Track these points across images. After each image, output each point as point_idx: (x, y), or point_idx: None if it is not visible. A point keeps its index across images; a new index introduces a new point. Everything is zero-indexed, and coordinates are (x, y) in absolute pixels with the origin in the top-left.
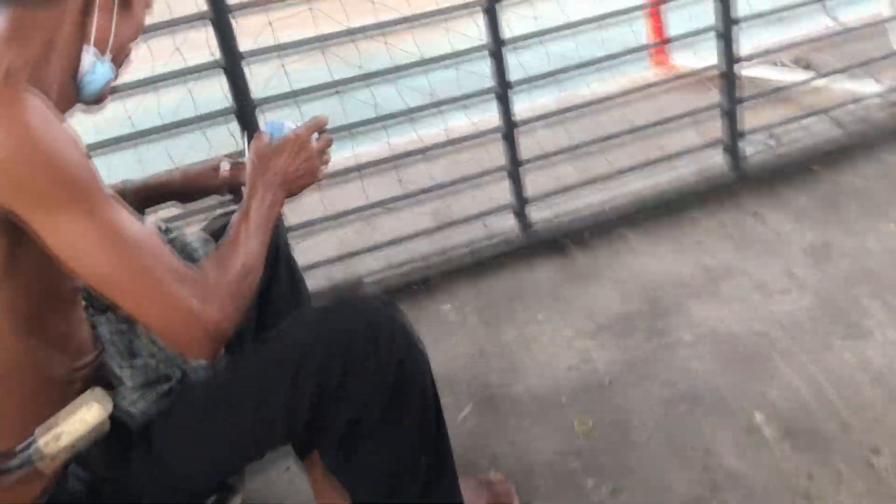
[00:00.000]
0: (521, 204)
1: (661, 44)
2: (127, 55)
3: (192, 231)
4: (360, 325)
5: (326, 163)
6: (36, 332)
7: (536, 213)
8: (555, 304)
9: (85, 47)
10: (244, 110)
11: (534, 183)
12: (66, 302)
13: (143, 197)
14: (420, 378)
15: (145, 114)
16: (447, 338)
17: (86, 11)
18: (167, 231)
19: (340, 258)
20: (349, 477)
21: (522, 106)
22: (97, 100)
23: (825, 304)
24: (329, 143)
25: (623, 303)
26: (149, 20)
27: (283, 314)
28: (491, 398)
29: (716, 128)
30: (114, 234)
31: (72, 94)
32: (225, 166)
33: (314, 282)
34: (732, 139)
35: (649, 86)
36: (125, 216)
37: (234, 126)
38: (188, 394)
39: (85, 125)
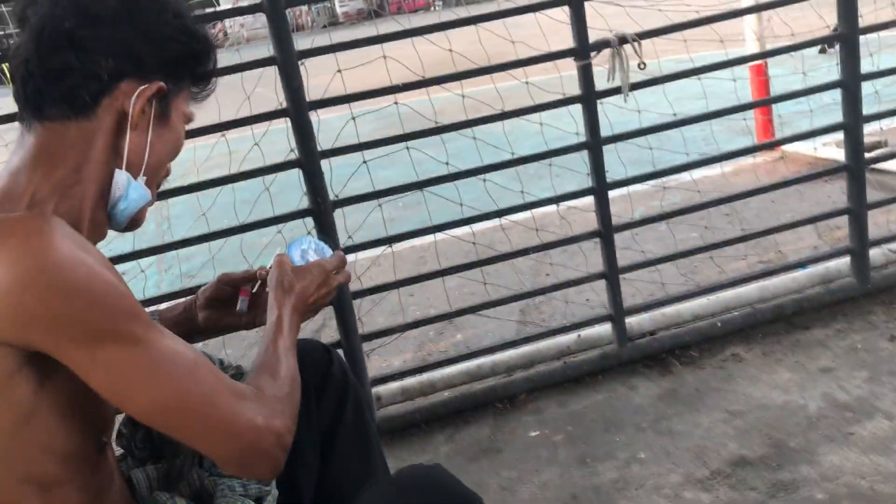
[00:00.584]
0: (619, 313)
1: (780, 144)
2: (166, 175)
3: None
4: None
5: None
6: (75, 474)
7: (636, 323)
8: (659, 439)
9: (117, 171)
10: (319, 208)
11: (631, 284)
12: (90, 463)
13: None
14: None
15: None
16: (535, 474)
17: (118, 131)
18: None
19: (416, 370)
20: None
21: (616, 193)
22: (130, 226)
23: None
24: (347, 280)
25: (740, 443)
26: (232, 116)
27: (349, 460)
28: None
29: (835, 225)
30: (166, 361)
31: (104, 221)
32: (243, 308)
33: (388, 390)
34: (861, 245)
35: (767, 189)
36: (172, 339)
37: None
38: None
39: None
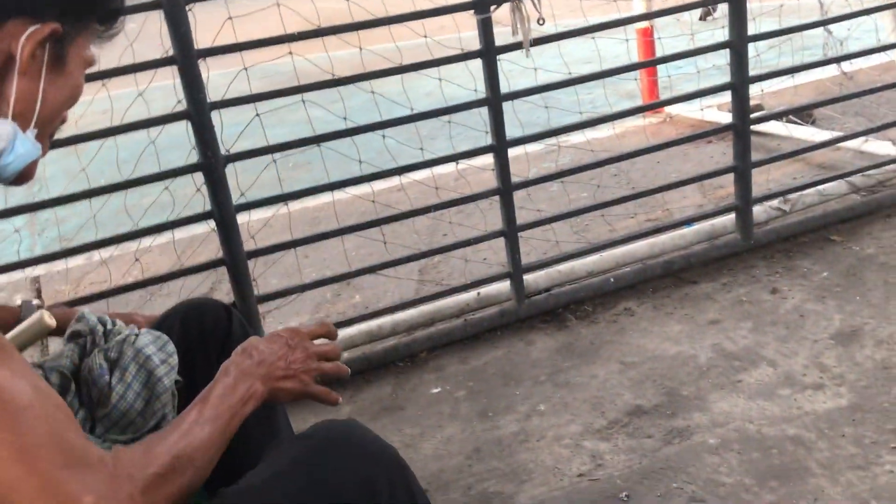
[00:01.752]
0: (517, 270)
1: (669, 103)
2: (61, 122)
3: (145, 331)
4: (354, 480)
5: (322, 372)
6: None
7: (532, 281)
8: (558, 391)
9: (0, 121)
10: (210, 163)
11: (527, 242)
12: None
13: None
14: None
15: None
16: (438, 430)
17: (4, 76)
18: (109, 333)
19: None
20: None
21: (512, 152)
22: (18, 180)
23: (865, 405)
24: (335, 353)
25: (635, 392)
26: (116, 63)
27: (253, 423)
28: (494, 501)
29: (718, 185)
30: (17, 436)
31: None
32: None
33: None
34: (745, 203)
35: (657, 147)
36: (17, 374)
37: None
38: None
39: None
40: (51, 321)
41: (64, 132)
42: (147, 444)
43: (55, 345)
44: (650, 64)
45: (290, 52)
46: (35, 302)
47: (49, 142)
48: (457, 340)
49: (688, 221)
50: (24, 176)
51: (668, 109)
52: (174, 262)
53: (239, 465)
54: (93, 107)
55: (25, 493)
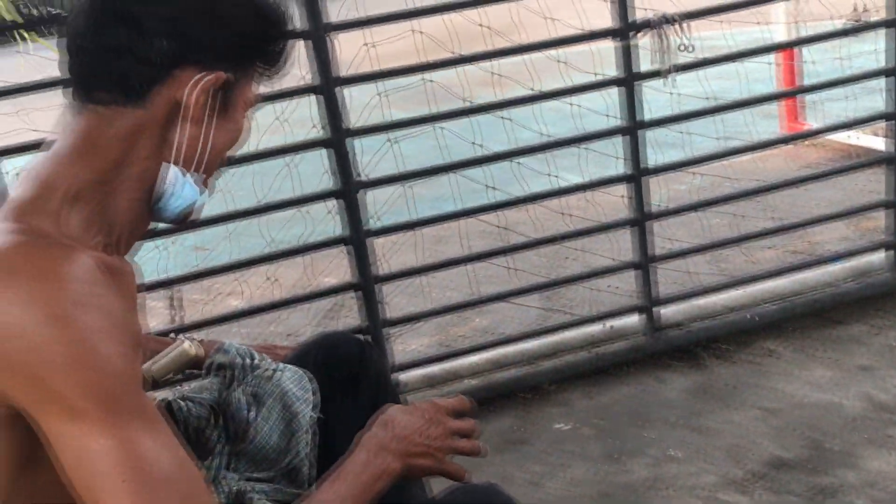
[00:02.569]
0: (650, 303)
1: (818, 133)
2: (223, 164)
3: (285, 366)
4: None
5: (458, 451)
6: None
7: (666, 314)
8: (691, 436)
9: (164, 165)
10: (347, 189)
11: (659, 272)
12: None
13: None
14: None
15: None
16: (564, 469)
17: (171, 122)
18: (250, 366)
19: (439, 357)
20: None
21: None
22: (182, 220)
23: None
24: (472, 431)
25: (777, 442)
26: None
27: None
28: None
29: (867, 216)
30: (139, 466)
31: (145, 217)
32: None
33: (410, 378)
34: None
35: (805, 179)
36: (161, 443)
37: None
38: None
39: None
40: (192, 350)
41: None
42: None
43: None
44: (797, 92)
45: (423, 80)
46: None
47: (213, 182)
48: (583, 373)
49: (836, 257)
50: (186, 217)
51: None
52: (300, 275)
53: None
54: None
55: None
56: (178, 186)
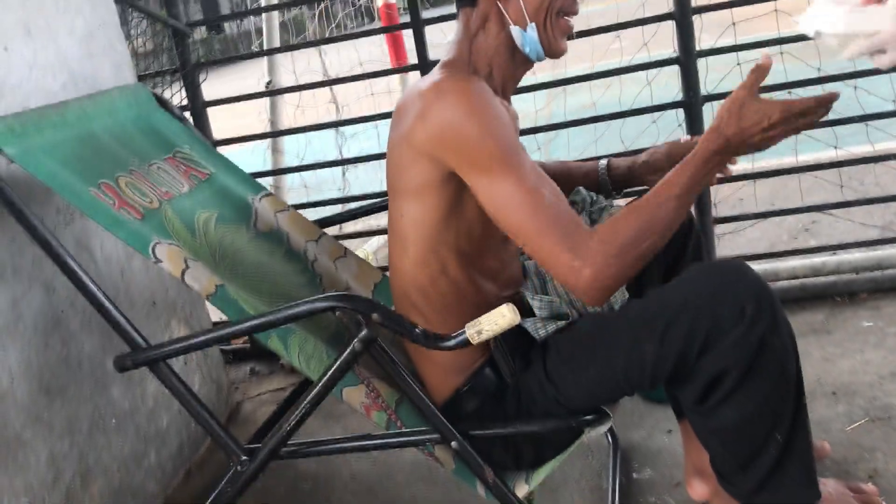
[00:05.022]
0: None
1: None
2: (559, 10)
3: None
4: (729, 295)
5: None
6: (476, 266)
7: None
8: None
9: (510, 28)
10: (692, 104)
11: None
12: (500, 244)
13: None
14: (781, 360)
15: (609, 100)
16: (859, 353)
17: (497, 8)
18: (594, 202)
19: (765, 255)
20: (705, 437)
21: None
22: (552, 55)
23: None
24: (830, 101)
25: None
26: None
27: None
28: (889, 420)
29: None
30: (531, 200)
31: (523, 62)
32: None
33: None
34: None
35: None
36: (542, 185)
37: (682, 116)
38: (581, 325)
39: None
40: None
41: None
42: (617, 220)
43: None
44: None
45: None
46: None
47: (564, 21)
48: None
49: None
50: (553, 52)
51: None
52: None
53: None
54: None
55: (543, 254)
56: (524, 39)
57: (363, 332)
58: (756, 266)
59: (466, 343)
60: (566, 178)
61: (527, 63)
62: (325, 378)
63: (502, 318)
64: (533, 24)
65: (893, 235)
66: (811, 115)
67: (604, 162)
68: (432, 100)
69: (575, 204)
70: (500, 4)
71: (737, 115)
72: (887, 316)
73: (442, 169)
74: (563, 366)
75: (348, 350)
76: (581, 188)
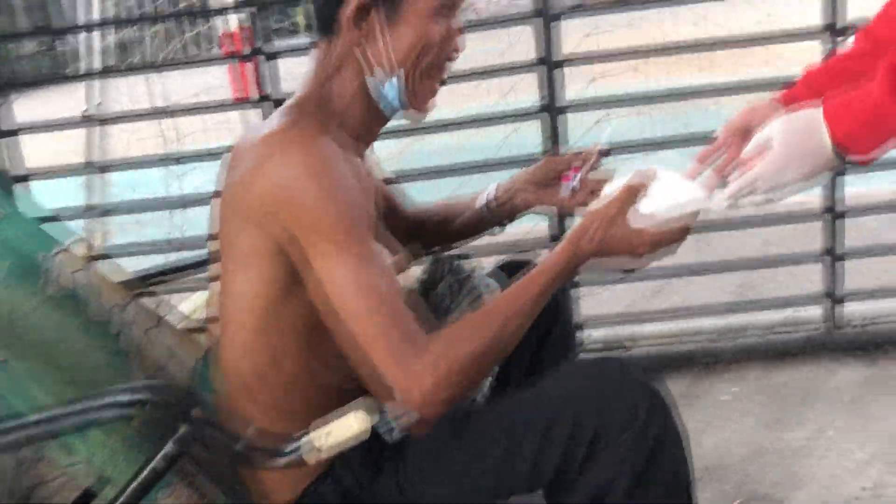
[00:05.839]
0: (832, 299)
1: None
2: (448, 58)
3: (488, 272)
4: (620, 391)
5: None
6: (316, 348)
7: (850, 310)
8: (853, 419)
9: (366, 78)
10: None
11: (854, 271)
12: None
13: (421, 222)
14: (674, 468)
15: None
16: (722, 428)
17: (356, 43)
18: (457, 270)
19: (624, 319)
20: None
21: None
22: (414, 108)
23: None
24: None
25: None
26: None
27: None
28: (762, 501)
29: None
30: (367, 295)
31: (379, 113)
32: (566, 193)
33: (591, 337)
34: None
35: None
36: (382, 270)
37: None
38: (446, 420)
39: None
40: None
41: None
42: (459, 329)
43: None
44: None
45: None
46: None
47: (440, 73)
48: (759, 354)
49: None
50: (415, 105)
51: None
52: None
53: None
54: None
55: (371, 355)
56: (382, 88)
57: (181, 431)
58: (617, 328)
59: (301, 463)
60: (451, 217)
61: (384, 118)
62: (127, 494)
63: (356, 418)
64: (401, 71)
65: (747, 299)
66: (677, 244)
67: (492, 188)
68: (265, 155)
69: (433, 273)
70: (357, 50)
71: (601, 235)
72: (747, 387)
73: (273, 237)
74: (422, 466)
75: (160, 455)
76: (442, 255)
